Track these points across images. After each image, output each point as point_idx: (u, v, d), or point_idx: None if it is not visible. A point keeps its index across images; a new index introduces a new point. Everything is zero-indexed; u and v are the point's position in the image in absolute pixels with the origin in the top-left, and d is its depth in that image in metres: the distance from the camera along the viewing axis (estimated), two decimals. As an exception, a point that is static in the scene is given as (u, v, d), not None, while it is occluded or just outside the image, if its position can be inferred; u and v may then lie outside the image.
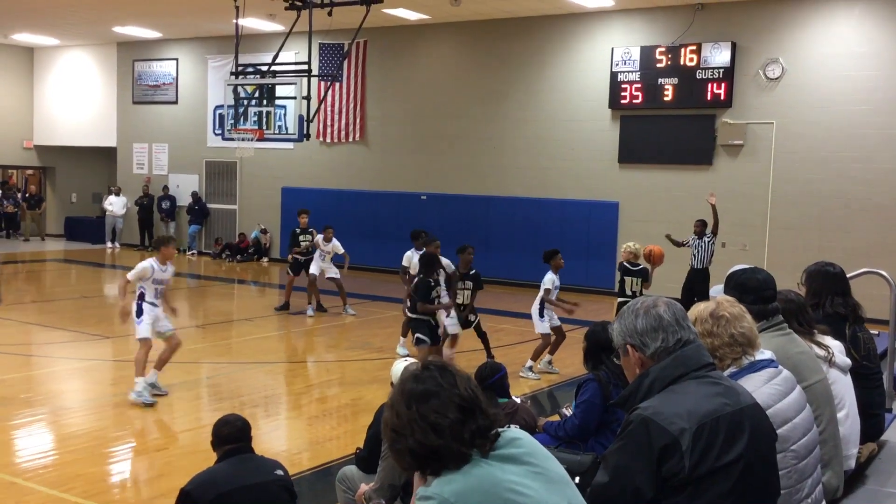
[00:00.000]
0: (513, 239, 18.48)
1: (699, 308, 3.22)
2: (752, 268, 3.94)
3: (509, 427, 2.28)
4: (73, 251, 23.99)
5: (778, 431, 2.85)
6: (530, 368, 10.52)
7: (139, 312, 8.98)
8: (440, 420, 2.15)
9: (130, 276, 9.03)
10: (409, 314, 9.79)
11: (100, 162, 27.65)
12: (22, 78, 26.87)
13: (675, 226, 17.01)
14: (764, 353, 3.18)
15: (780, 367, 3.20)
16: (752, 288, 3.71)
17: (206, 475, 4.60)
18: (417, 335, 9.47)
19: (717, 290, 3.89)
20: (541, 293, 10.48)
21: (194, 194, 23.82)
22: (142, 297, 9.02)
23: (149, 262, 9.11)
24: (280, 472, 4.70)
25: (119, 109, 25.52)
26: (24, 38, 24.87)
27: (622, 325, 2.66)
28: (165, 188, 24.22)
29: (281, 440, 8.13)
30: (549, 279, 10.45)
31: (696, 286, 13.41)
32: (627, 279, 10.87)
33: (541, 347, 10.63)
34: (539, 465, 2.25)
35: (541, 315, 10.51)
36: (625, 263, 10.95)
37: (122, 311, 9.42)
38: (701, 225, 13.75)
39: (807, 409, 3.19)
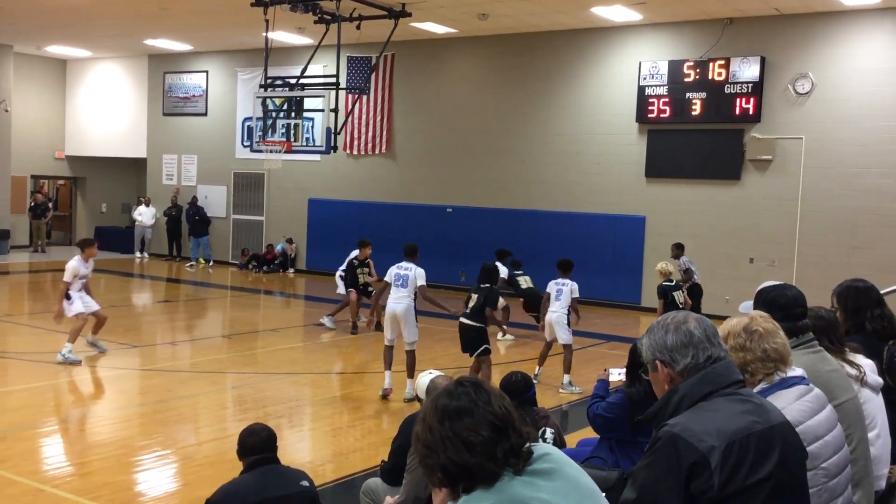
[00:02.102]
0: (538, 253, 18.41)
1: (731, 323, 3.19)
2: (781, 284, 3.89)
3: (544, 434, 2.28)
4: (103, 261, 24.16)
5: (808, 449, 2.82)
6: (570, 383, 10.47)
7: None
8: (473, 438, 2.14)
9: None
10: (478, 323, 9.64)
11: (130, 173, 27.98)
12: (55, 89, 27.28)
13: (702, 241, 16.94)
14: (795, 370, 3.15)
15: (811, 384, 3.16)
16: (781, 305, 3.66)
17: (232, 486, 4.60)
18: (486, 346, 9.63)
19: (746, 306, 3.85)
20: (569, 301, 10.50)
21: (194, 199, 23.98)
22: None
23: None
24: (305, 483, 4.69)
25: (149, 121, 25.83)
26: (57, 49, 25.27)
27: (652, 340, 2.64)
28: (194, 199, 24.40)
29: (305, 451, 8.15)
30: (576, 287, 10.65)
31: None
32: (675, 294, 11.74)
33: (570, 357, 10.59)
34: (570, 480, 2.24)
35: (568, 324, 10.57)
36: (663, 283, 11.85)
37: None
38: (677, 248, 14.86)
39: (838, 427, 3.15)
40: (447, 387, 2.28)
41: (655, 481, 2.43)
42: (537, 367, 10.81)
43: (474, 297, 9.80)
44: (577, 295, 10.58)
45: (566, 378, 10.49)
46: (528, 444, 2.23)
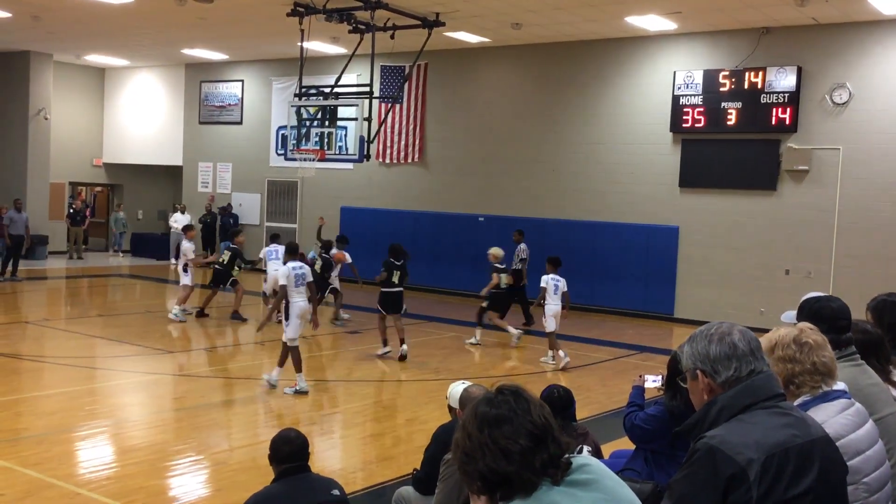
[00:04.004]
0: (570, 262, 18.31)
1: (780, 333, 3.15)
2: (826, 296, 3.84)
3: (581, 449, 2.26)
4: (138, 266, 24.54)
5: (849, 463, 2.78)
6: (553, 357, 12.61)
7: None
8: (511, 446, 2.14)
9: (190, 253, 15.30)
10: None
11: (166, 180, 28.32)
12: (93, 97, 27.72)
13: (737, 251, 16.78)
14: (837, 384, 3.10)
15: (853, 398, 3.12)
16: (826, 317, 3.61)
17: (264, 495, 4.61)
18: None
19: (789, 316, 3.79)
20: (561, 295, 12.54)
21: (228, 207, 24.15)
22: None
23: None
24: (336, 492, 4.69)
25: (186, 129, 26.14)
26: (96, 58, 25.67)
27: (694, 348, 2.61)
28: (229, 206, 24.55)
29: (336, 458, 8.17)
30: (566, 283, 12.71)
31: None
32: (502, 276, 13.66)
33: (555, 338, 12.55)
34: (609, 491, 2.22)
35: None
36: (494, 265, 13.73)
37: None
38: (518, 234, 16.59)
39: (879, 442, 3.10)
40: (487, 394, 2.28)
41: (693, 494, 2.40)
42: (559, 352, 12.50)
43: (397, 272, 12.39)
44: (566, 290, 12.59)
45: (550, 353, 12.60)
46: (566, 455, 2.22)
